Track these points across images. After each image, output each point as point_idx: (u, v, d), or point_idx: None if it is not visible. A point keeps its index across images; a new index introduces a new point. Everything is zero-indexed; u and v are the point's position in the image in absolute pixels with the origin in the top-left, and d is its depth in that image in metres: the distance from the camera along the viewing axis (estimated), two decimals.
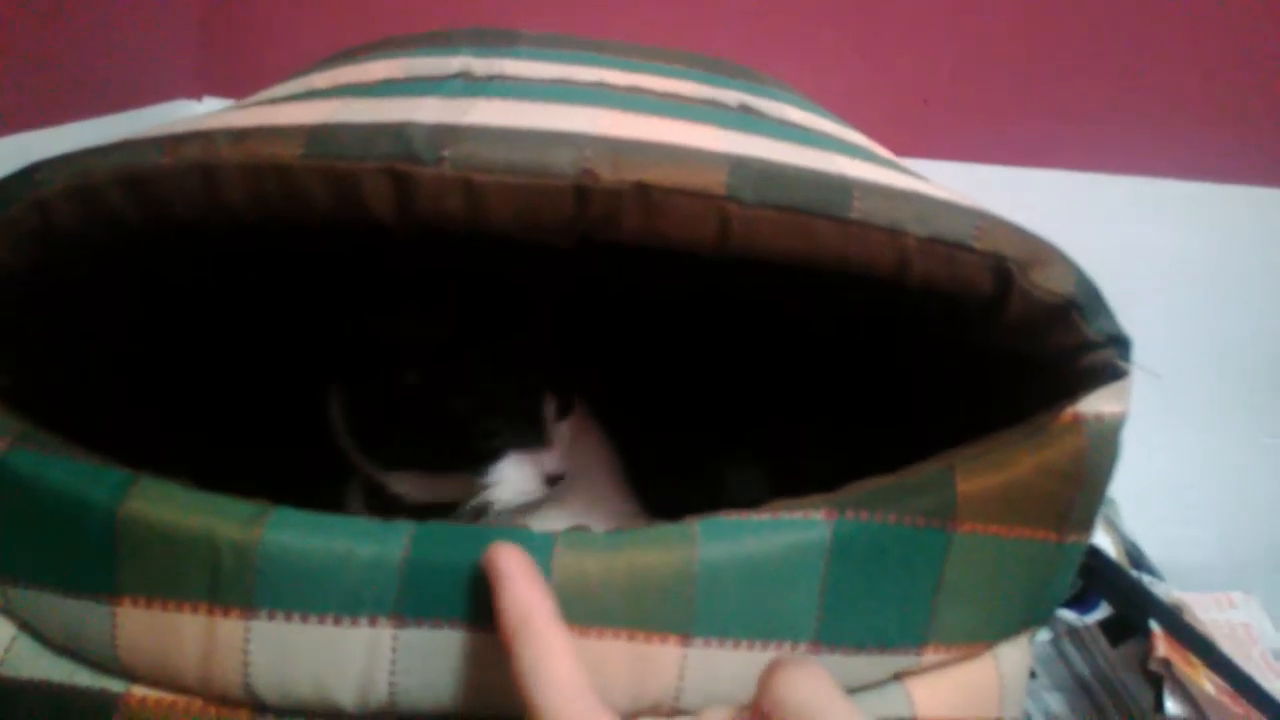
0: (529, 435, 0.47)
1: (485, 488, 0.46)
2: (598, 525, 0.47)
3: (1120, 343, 0.36)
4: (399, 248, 0.40)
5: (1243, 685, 0.48)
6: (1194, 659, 0.52)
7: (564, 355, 0.49)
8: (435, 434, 0.46)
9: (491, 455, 0.46)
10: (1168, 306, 0.88)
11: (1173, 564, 0.74)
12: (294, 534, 0.31)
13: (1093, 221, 0.77)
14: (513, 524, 0.50)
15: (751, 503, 0.35)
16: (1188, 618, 0.56)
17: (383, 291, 0.45)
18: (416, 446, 0.47)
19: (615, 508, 0.54)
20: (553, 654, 0.28)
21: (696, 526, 0.33)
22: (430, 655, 0.31)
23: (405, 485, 0.48)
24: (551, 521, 0.51)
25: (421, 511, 0.48)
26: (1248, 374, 0.93)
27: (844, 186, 0.33)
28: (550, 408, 0.47)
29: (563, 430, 0.49)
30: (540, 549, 0.32)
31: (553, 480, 0.47)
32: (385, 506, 0.49)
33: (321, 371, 0.51)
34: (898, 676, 0.36)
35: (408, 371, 0.46)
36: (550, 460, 0.47)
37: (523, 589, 0.30)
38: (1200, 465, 0.94)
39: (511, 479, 0.46)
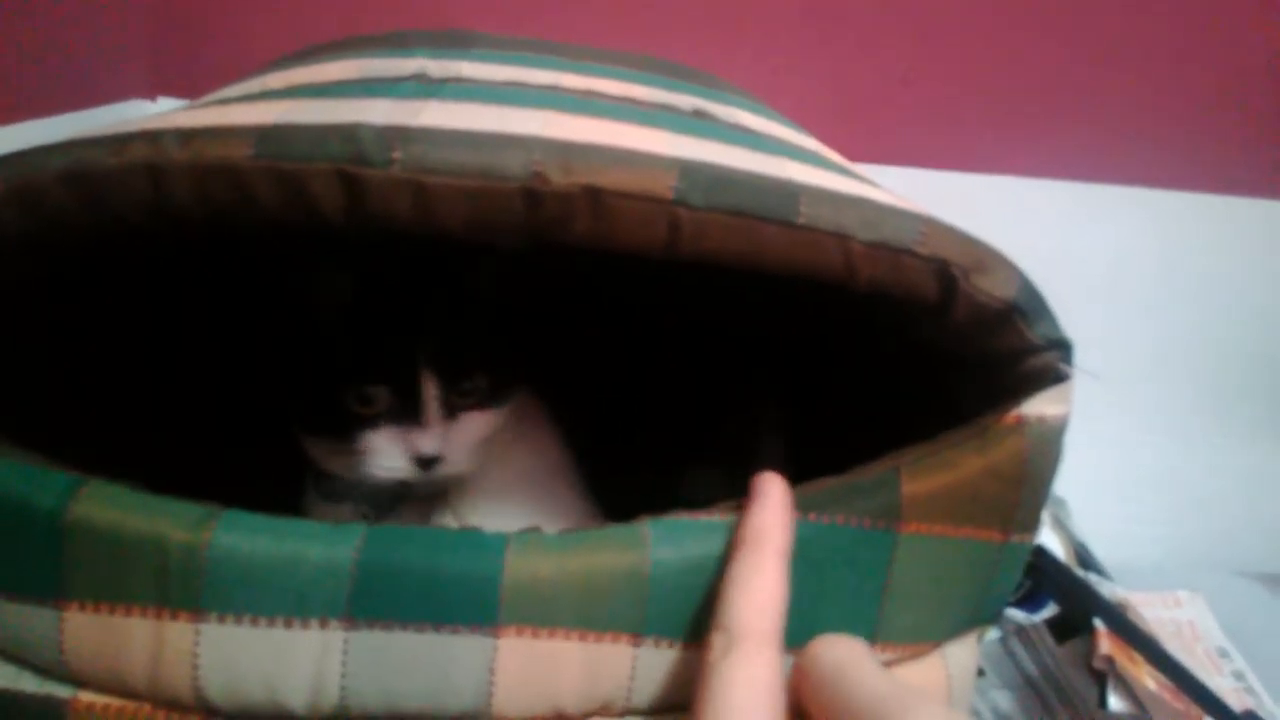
0: (402, 411, 0.47)
1: (360, 456, 0.47)
2: (553, 525, 0.48)
3: (1062, 346, 0.37)
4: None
5: (1183, 680, 0.49)
6: (1136, 656, 0.53)
7: (474, 340, 0.48)
8: (319, 394, 0.46)
9: (363, 423, 0.46)
10: (1116, 310, 0.90)
11: (1122, 563, 0.76)
12: (243, 536, 0.31)
13: (1039, 226, 0.79)
14: (463, 513, 0.51)
15: (708, 503, 0.35)
16: (1131, 616, 0.57)
17: (305, 254, 0.45)
18: (310, 408, 0.47)
19: (571, 507, 0.54)
20: (762, 574, 0.31)
21: (648, 528, 0.33)
22: (382, 658, 0.31)
23: (316, 452, 0.49)
24: (507, 520, 0.51)
25: (354, 490, 0.49)
26: (1195, 376, 0.95)
27: (791, 192, 0.33)
28: (432, 391, 0.47)
29: (467, 424, 0.48)
30: (491, 550, 0.32)
31: (426, 463, 0.47)
32: (329, 487, 0.50)
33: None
34: None
35: (310, 326, 0.46)
36: (425, 441, 0.47)
37: (769, 515, 0.32)
38: (1149, 466, 0.95)
39: (379, 451, 0.47)
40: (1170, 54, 0.87)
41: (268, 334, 0.48)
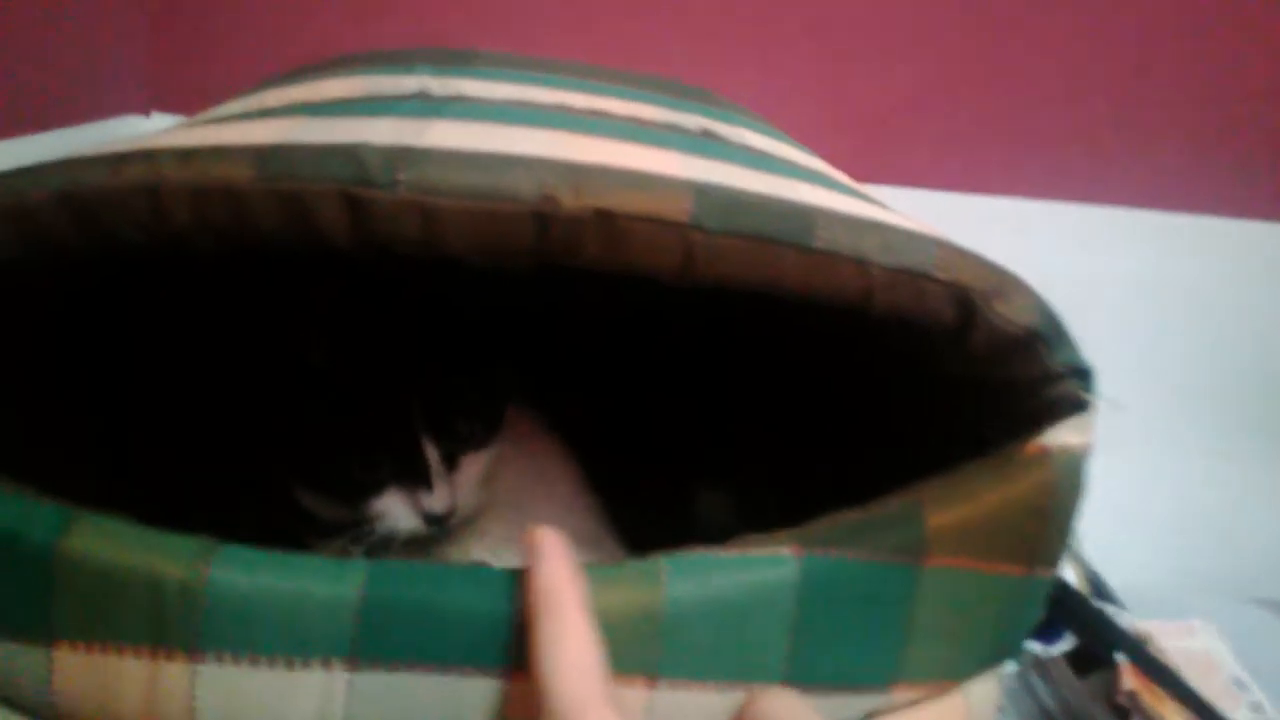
0: (407, 475, 0.46)
1: (372, 517, 0.47)
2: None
3: (1083, 374, 0.36)
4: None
5: (1209, 718, 0.48)
6: (1160, 690, 0.52)
7: (463, 392, 0.48)
8: (316, 459, 0.46)
9: (371, 488, 0.46)
10: (1130, 336, 0.89)
11: (1131, 591, 0.75)
12: (243, 572, 0.30)
13: (1055, 250, 0.78)
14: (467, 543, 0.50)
15: (722, 529, 0.34)
16: (1153, 649, 0.56)
17: (278, 309, 0.45)
18: (306, 468, 0.47)
19: (586, 536, 0.53)
20: (568, 635, 0.29)
21: (663, 564, 0.32)
22: (387, 700, 0.30)
23: (308, 501, 0.48)
24: (511, 546, 0.50)
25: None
26: (1207, 403, 0.94)
27: (807, 215, 0.32)
28: (433, 451, 0.47)
29: (467, 468, 0.48)
30: (500, 588, 0.31)
31: (437, 520, 0.47)
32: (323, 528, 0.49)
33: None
34: (869, 716, 0.35)
35: (293, 393, 0.45)
36: (435, 501, 0.46)
37: (552, 569, 0.30)
38: (1159, 493, 0.95)
39: (391, 514, 0.47)
40: (1180, 77, 0.87)
41: (266, 400, 0.47)
